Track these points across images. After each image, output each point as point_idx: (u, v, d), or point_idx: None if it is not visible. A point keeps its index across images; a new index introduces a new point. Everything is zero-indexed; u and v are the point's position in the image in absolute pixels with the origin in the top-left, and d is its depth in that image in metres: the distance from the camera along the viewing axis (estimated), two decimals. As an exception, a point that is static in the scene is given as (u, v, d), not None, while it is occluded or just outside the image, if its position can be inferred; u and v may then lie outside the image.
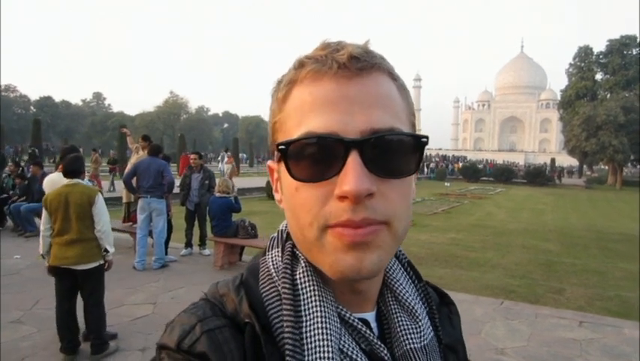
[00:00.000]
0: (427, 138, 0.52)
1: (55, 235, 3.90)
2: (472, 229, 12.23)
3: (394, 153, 0.50)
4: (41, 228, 4.02)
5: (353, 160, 0.48)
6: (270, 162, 0.60)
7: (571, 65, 49.55)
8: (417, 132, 0.55)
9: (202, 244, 7.91)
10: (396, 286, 0.61)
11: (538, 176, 38.13)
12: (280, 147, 0.51)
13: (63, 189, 3.97)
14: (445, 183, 30.62)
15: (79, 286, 3.99)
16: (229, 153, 19.44)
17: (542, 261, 8.54)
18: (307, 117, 0.50)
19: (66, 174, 4.08)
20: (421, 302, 0.63)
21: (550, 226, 13.62)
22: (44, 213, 3.96)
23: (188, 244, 7.87)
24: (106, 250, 4.01)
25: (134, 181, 6.90)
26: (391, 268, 0.62)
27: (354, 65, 0.50)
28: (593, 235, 12.03)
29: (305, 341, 0.51)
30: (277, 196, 0.59)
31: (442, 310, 0.68)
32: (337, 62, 0.50)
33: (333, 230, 0.49)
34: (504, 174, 38.55)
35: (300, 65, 0.53)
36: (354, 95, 0.50)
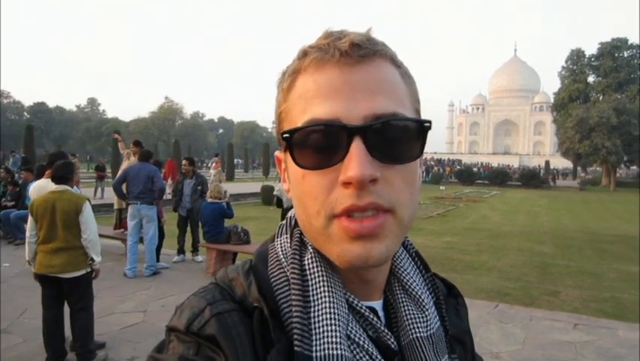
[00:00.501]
0: (429, 122, 0.52)
1: (40, 242, 3.83)
2: (467, 232, 12.21)
3: (397, 138, 0.50)
4: (27, 234, 3.95)
5: (356, 146, 0.48)
6: (277, 153, 0.61)
7: (563, 67, 49.94)
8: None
9: (194, 250, 7.85)
10: (403, 275, 0.61)
11: (533, 178, 38.27)
12: (285, 136, 0.51)
13: (50, 196, 3.90)
14: (440, 187, 30.66)
15: (65, 294, 3.92)
16: (216, 158, 19.19)
17: (537, 263, 8.52)
18: (311, 104, 0.51)
19: (54, 180, 4.01)
20: (428, 292, 0.63)
21: (544, 228, 13.63)
22: (30, 219, 3.89)
23: (181, 251, 7.80)
24: (92, 259, 3.94)
25: (124, 187, 6.83)
26: (399, 257, 0.63)
27: (357, 52, 0.51)
28: (588, 237, 12.04)
29: (313, 326, 0.51)
30: (285, 186, 0.60)
31: (450, 302, 0.68)
32: (340, 49, 0.51)
33: (340, 221, 0.50)
34: (499, 177, 38.65)
35: (304, 54, 0.53)
36: (356, 81, 0.50)
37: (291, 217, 0.63)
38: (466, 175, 39.88)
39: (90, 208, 4.01)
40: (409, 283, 0.61)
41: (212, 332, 0.50)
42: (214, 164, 17.11)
